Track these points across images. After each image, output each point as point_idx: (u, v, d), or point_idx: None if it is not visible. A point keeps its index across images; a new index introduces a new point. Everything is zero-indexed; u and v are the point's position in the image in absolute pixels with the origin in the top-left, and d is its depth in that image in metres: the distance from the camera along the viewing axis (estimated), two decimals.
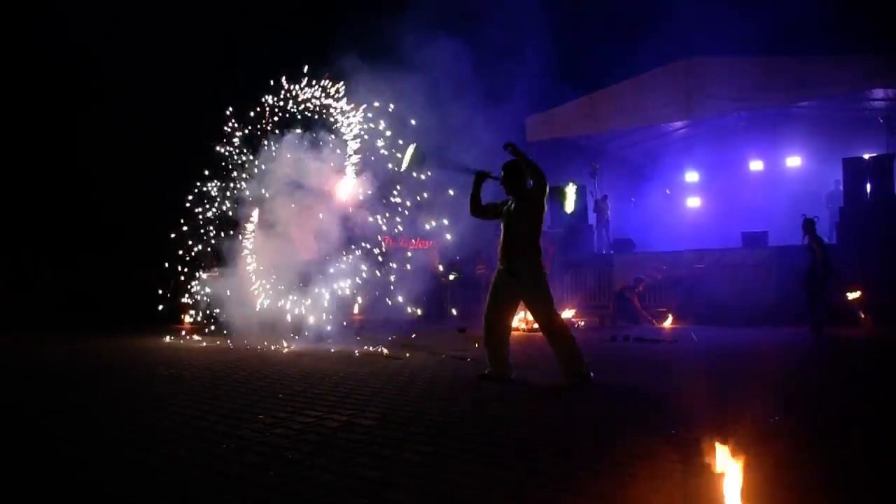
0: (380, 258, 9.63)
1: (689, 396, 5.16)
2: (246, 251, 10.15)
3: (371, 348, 8.31)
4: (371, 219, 9.36)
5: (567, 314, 12.44)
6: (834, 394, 5.40)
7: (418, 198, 9.38)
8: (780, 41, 15.46)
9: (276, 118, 9.97)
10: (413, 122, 9.12)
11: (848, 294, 10.90)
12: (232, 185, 10.27)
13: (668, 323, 12.27)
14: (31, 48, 15.62)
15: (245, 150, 10.13)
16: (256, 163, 10.02)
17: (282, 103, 9.92)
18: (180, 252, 10.55)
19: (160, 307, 11.08)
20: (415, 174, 6.90)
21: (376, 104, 9.32)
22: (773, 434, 3.85)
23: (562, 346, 5.55)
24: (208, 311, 10.52)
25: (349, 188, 9.59)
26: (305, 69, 9.66)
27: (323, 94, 9.64)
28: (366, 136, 9.44)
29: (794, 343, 9.15)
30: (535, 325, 9.81)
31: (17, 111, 15.76)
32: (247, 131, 10.17)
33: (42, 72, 15.70)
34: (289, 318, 9.31)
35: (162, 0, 16.53)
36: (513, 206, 5.84)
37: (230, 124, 10.14)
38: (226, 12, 16.42)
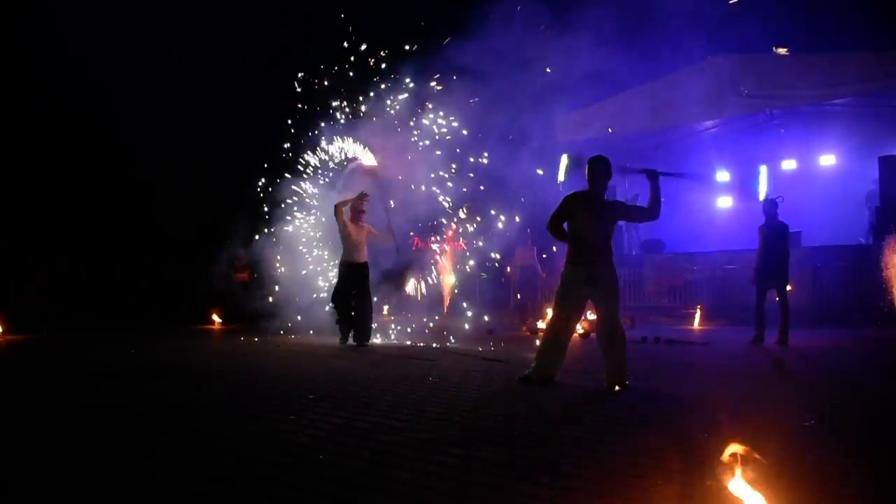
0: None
1: (721, 399, 5.09)
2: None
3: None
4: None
5: (593, 316, 12.37)
6: (872, 398, 5.27)
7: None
8: (814, 37, 15.15)
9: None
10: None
11: None
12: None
13: (696, 322, 12.17)
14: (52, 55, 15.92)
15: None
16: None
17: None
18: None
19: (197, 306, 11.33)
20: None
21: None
22: (807, 438, 3.78)
23: (618, 353, 5.42)
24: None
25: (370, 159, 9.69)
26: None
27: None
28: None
29: (830, 345, 8.96)
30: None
31: (52, 116, 16.09)
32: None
33: (79, 81, 16.00)
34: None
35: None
36: (594, 205, 5.52)
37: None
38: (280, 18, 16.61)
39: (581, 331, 9.56)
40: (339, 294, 9.25)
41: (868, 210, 15.12)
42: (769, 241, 9.13)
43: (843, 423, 4.25)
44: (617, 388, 5.30)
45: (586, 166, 5.62)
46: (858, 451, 3.56)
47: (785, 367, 7.32)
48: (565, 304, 5.61)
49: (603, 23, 10.47)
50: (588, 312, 8.31)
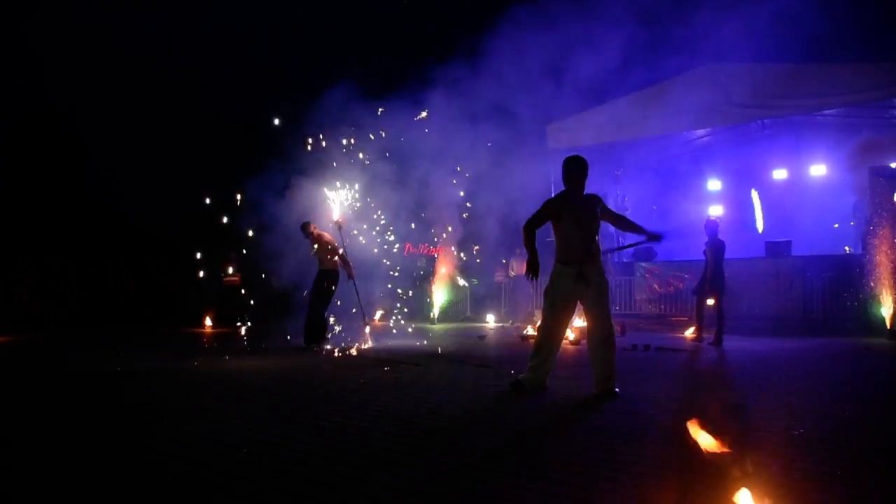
0: None
1: (710, 407, 5.10)
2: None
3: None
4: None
5: (582, 322, 12.38)
6: (860, 406, 5.30)
7: None
8: (805, 48, 15.29)
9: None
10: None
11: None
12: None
13: (689, 333, 12.15)
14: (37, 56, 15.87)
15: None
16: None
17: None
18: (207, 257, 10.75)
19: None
20: None
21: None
22: (796, 446, 3.80)
23: (608, 357, 5.37)
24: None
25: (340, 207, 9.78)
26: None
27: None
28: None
29: (820, 353, 9.01)
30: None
31: (43, 117, 16.03)
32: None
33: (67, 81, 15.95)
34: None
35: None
36: (576, 204, 5.45)
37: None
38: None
39: (572, 338, 9.56)
40: None
41: (854, 220, 15.22)
42: (712, 256, 10.25)
43: (831, 431, 4.26)
44: (606, 393, 5.28)
45: (562, 166, 5.58)
46: (847, 459, 3.57)
47: (774, 375, 7.34)
48: (556, 304, 5.51)
49: (595, 31, 10.54)
50: (576, 319, 8.32)
